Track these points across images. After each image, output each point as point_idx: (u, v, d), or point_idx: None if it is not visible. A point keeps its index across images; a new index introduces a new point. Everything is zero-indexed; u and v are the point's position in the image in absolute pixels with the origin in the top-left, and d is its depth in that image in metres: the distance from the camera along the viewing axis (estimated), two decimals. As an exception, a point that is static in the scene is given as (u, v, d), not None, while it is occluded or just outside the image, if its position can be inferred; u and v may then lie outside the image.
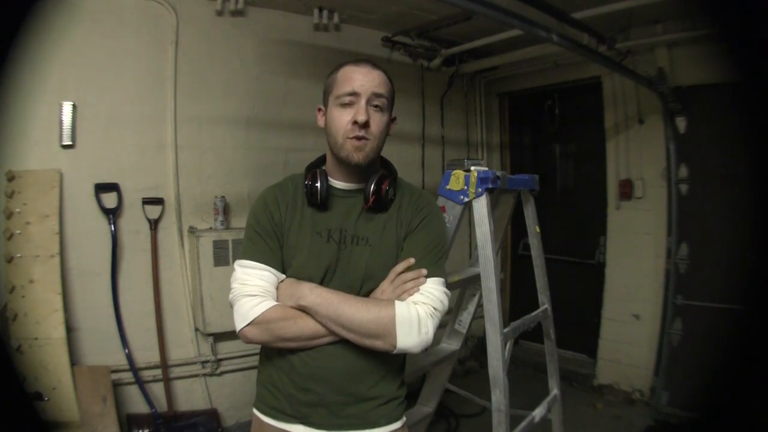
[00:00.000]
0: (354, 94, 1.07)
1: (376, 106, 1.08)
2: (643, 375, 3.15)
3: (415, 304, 1.07)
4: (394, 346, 1.04)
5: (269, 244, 1.11)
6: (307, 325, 1.06)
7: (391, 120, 1.16)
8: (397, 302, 1.06)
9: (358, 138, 1.07)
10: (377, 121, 1.08)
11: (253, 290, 1.07)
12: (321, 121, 1.17)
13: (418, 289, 1.08)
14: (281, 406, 1.13)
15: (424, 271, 1.10)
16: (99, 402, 2.18)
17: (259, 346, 1.18)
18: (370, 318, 1.03)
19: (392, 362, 1.15)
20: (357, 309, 1.04)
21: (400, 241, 1.14)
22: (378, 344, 1.05)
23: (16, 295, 2.10)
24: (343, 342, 1.08)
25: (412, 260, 1.10)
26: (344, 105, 1.08)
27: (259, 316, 1.05)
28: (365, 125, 1.06)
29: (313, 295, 1.06)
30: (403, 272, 1.10)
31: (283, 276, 1.11)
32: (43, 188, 2.23)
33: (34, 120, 2.25)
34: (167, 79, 2.57)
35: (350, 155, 1.08)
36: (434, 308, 1.08)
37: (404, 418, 1.18)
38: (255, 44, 2.84)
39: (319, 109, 1.17)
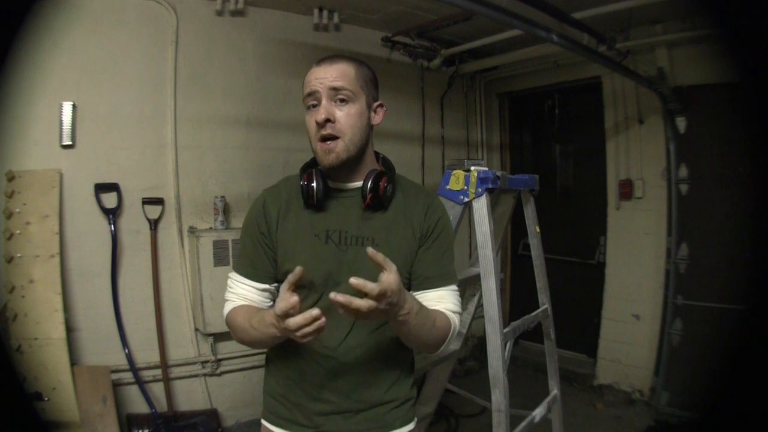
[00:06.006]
0: (313, 94, 1.03)
1: (341, 100, 1.02)
2: (643, 375, 3.15)
3: (458, 314, 1.12)
4: (437, 353, 1.11)
5: (255, 254, 1.11)
6: (246, 332, 1.04)
7: (377, 106, 1.10)
8: (449, 315, 1.08)
9: (324, 139, 1.03)
10: (344, 114, 1.02)
11: (231, 296, 1.12)
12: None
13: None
14: (293, 416, 1.10)
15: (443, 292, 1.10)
16: (99, 402, 2.18)
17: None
18: (440, 333, 1.06)
19: (404, 363, 1.15)
20: (434, 326, 1.04)
21: (410, 241, 1.08)
22: (431, 349, 1.09)
23: (16, 295, 2.10)
24: (355, 347, 1.06)
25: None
26: (310, 108, 1.05)
27: (226, 318, 1.12)
28: (327, 122, 1.01)
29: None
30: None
31: (266, 285, 1.11)
32: (43, 188, 2.24)
33: (34, 120, 2.25)
34: (167, 79, 2.58)
35: (321, 159, 1.04)
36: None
37: (416, 419, 1.18)
38: (255, 44, 2.84)
39: None
